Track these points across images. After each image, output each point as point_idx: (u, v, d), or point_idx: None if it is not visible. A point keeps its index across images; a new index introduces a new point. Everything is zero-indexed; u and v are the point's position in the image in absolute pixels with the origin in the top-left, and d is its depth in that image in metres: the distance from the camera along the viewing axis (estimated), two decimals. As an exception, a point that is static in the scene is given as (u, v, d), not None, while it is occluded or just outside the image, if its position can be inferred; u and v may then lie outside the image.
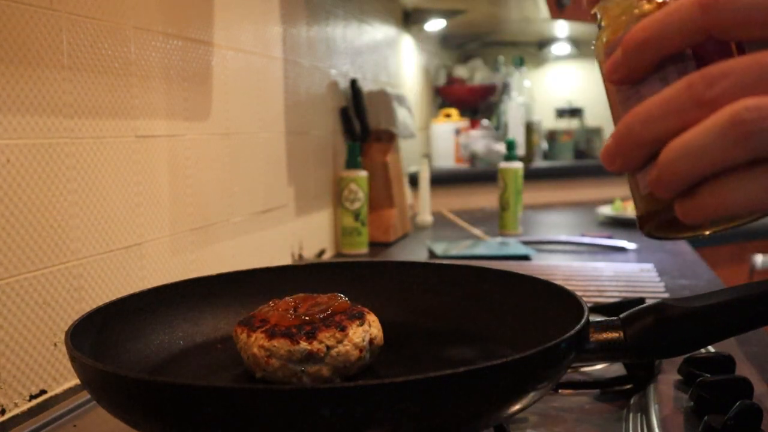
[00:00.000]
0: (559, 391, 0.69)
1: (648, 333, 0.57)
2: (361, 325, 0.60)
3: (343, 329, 0.58)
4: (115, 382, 0.47)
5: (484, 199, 2.39)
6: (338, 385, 0.43)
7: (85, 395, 0.71)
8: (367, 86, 1.80)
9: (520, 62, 2.69)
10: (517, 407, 0.49)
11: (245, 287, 0.74)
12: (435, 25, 2.41)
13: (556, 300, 0.63)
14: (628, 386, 0.70)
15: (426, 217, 1.99)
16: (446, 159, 2.59)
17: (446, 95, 2.84)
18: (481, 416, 0.47)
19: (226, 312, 0.72)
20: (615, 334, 0.58)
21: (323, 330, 0.58)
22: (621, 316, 0.59)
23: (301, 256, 1.41)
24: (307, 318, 0.59)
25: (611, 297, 1.05)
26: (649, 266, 1.30)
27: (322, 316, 0.59)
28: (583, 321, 0.54)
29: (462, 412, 0.45)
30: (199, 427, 0.45)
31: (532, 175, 2.46)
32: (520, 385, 0.48)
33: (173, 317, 0.69)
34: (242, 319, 0.63)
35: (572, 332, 0.52)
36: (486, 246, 1.57)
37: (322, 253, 1.53)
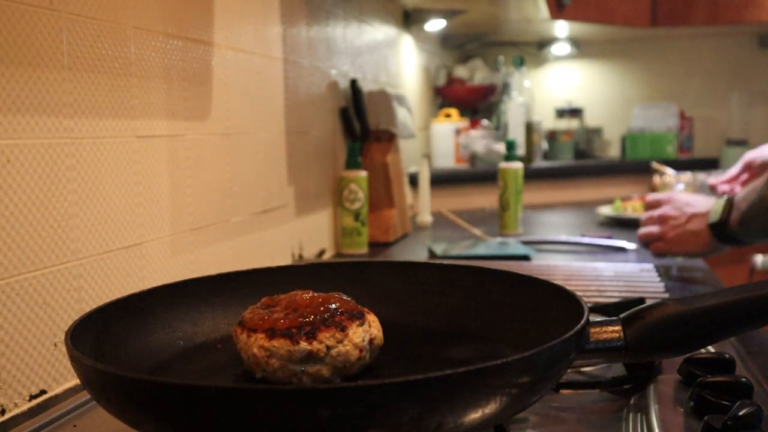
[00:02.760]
0: (560, 391, 0.69)
1: (648, 333, 0.57)
2: (361, 325, 0.60)
3: (343, 329, 0.58)
4: (115, 382, 0.47)
5: (484, 199, 2.39)
6: (338, 385, 0.43)
7: (85, 395, 0.71)
8: (367, 86, 1.80)
9: (520, 62, 2.69)
10: (517, 407, 0.49)
11: (245, 287, 0.74)
12: (435, 25, 2.41)
13: (556, 300, 0.63)
14: (628, 386, 0.70)
15: (426, 217, 1.99)
16: (446, 159, 2.59)
17: (446, 95, 2.84)
18: (481, 416, 0.47)
19: (226, 312, 0.72)
20: (615, 335, 0.58)
21: (323, 330, 0.58)
22: (621, 316, 0.59)
23: (301, 256, 1.41)
24: (307, 318, 0.59)
25: (611, 297, 1.05)
26: (649, 266, 1.30)
27: (323, 316, 0.59)
28: (582, 321, 0.54)
29: (462, 412, 0.45)
30: (199, 427, 0.45)
31: (532, 175, 2.46)
32: (520, 386, 0.48)
33: (173, 317, 0.69)
34: (242, 319, 0.62)
35: (572, 332, 0.52)
36: (486, 246, 1.57)
37: (322, 253, 1.53)
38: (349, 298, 0.64)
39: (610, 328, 0.58)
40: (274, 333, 0.58)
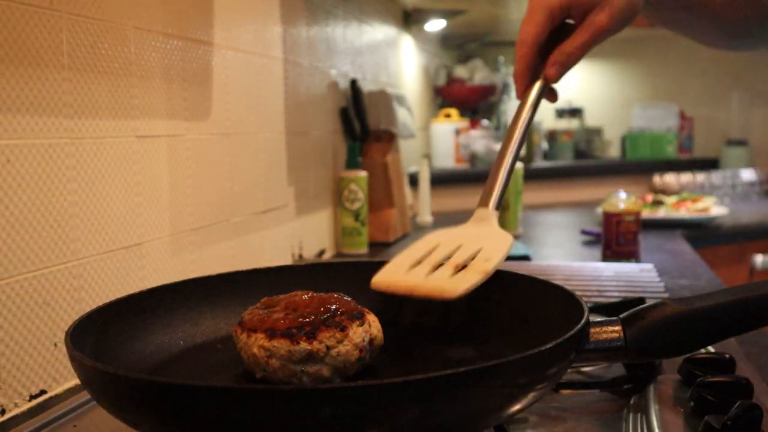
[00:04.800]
0: (559, 391, 0.69)
1: (648, 333, 0.57)
2: (361, 325, 0.60)
3: (343, 329, 0.58)
4: (115, 382, 0.47)
5: (484, 199, 2.38)
6: (338, 385, 0.43)
7: (85, 395, 0.71)
8: (367, 86, 1.80)
9: (520, 62, 2.69)
10: (517, 407, 0.49)
11: (245, 287, 0.74)
12: (435, 25, 2.41)
13: (557, 300, 0.63)
14: (628, 386, 0.70)
15: (426, 217, 1.99)
16: (446, 159, 2.59)
17: (446, 95, 2.84)
18: (481, 416, 0.47)
19: (226, 312, 0.72)
20: (615, 335, 0.58)
21: (323, 330, 0.58)
22: (621, 316, 0.59)
23: (301, 256, 1.41)
24: (307, 318, 0.59)
25: (611, 297, 1.05)
26: (649, 266, 1.30)
27: (323, 316, 0.59)
28: (582, 321, 0.54)
29: (462, 412, 0.45)
30: (199, 427, 0.45)
31: (532, 175, 2.46)
32: (520, 386, 0.48)
33: (173, 317, 0.69)
34: (241, 320, 0.62)
35: (572, 332, 0.52)
36: (486, 246, 1.57)
37: (322, 253, 1.53)
38: (348, 298, 0.64)
39: (610, 328, 0.58)
40: (274, 333, 0.57)
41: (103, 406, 0.50)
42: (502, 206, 1.89)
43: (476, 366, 0.44)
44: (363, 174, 1.55)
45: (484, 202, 0.71)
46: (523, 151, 2.55)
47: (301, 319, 0.59)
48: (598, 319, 0.60)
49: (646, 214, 1.97)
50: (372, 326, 0.61)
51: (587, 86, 3.27)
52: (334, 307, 0.61)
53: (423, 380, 0.43)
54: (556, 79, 0.75)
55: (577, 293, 0.62)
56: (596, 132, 3.14)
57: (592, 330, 0.58)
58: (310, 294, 0.63)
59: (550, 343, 0.49)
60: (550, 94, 0.78)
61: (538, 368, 0.49)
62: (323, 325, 0.58)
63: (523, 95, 0.76)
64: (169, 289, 0.70)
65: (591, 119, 3.19)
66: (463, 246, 0.67)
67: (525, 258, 1.48)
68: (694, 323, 0.57)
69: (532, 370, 0.48)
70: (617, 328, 0.58)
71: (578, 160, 2.96)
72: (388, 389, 0.43)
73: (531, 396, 0.50)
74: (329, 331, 0.58)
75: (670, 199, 2.12)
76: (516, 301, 0.69)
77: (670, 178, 2.63)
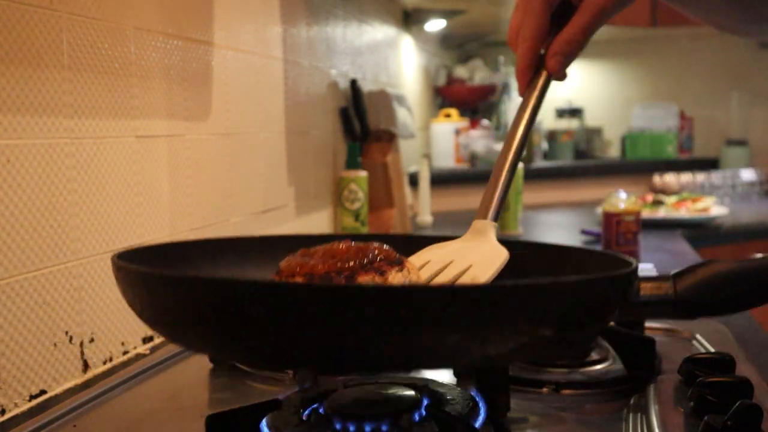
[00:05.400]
0: (560, 391, 0.69)
1: (698, 289, 0.57)
2: (400, 271, 0.58)
3: (382, 274, 0.56)
4: (169, 284, 0.47)
5: (484, 199, 2.38)
6: (387, 286, 0.42)
7: (85, 395, 0.71)
8: (367, 86, 1.80)
9: (520, 62, 2.69)
10: (565, 336, 0.48)
11: (284, 250, 0.73)
12: (435, 25, 2.41)
13: (603, 264, 0.61)
14: (628, 386, 0.70)
15: (426, 217, 1.99)
16: (446, 159, 2.59)
17: (446, 95, 2.84)
18: (524, 345, 0.45)
19: (264, 271, 0.70)
20: (665, 290, 0.57)
21: (362, 274, 0.56)
22: (672, 272, 0.58)
23: (301, 256, 1.41)
24: (346, 264, 0.57)
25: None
26: (649, 266, 1.30)
27: (362, 261, 0.58)
28: (633, 266, 0.52)
29: (506, 337, 0.44)
30: (243, 326, 0.44)
31: (532, 175, 2.46)
32: (567, 315, 0.46)
33: (216, 269, 0.67)
34: (279, 268, 0.61)
35: (623, 271, 0.50)
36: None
37: (322, 253, 1.53)
38: (388, 247, 0.62)
39: (660, 284, 0.57)
40: (312, 278, 0.56)
41: (149, 323, 0.49)
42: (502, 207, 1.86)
43: (527, 281, 0.43)
44: (363, 174, 1.55)
45: (482, 213, 0.67)
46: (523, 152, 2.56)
47: (339, 264, 0.57)
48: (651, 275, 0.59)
49: (646, 214, 1.97)
50: (411, 273, 0.60)
51: (587, 86, 3.27)
52: (372, 253, 0.59)
53: (474, 288, 0.42)
54: (560, 71, 0.69)
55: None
56: (596, 132, 3.14)
57: (642, 285, 0.57)
58: (348, 242, 0.62)
59: (602, 273, 0.47)
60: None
61: (588, 297, 0.47)
62: (362, 270, 0.56)
63: (525, 91, 0.71)
64: (215, 243, 0.69)
65: (591, 119, 3.19)
66: (453, 263, 0.64)
67: (525, 258, 1.47)
68: (744, 280, 0.56)
69: (583, 295, 0.46)
70: (668, 283, 0.57)
71: (578, 160, 2.96)
72: (440, 292, 0.41)
73: (579, 328, 0.48)
74: (368, 275, 0.56)
75: (670, 199, 2.12)
76: (561, 270, 0.66)
77: (670, 178, 2.63)
